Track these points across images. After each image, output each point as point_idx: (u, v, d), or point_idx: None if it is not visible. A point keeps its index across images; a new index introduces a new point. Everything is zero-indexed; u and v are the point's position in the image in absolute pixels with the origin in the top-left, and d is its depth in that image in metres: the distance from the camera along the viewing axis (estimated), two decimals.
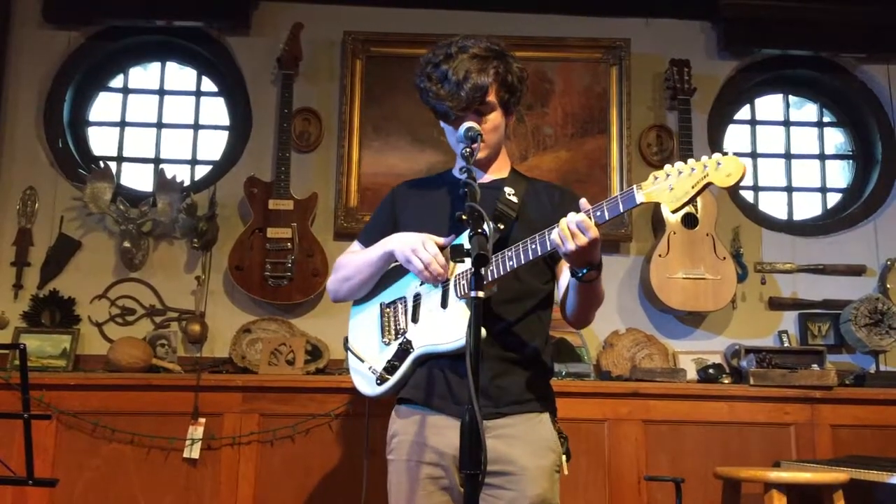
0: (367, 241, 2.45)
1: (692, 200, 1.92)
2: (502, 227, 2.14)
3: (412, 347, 2.24)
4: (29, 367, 2.85)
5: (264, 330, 4.01)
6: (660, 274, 4.02)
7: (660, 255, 4.05)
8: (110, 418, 3.55)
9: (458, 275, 2.18)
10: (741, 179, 1.88)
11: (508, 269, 2.11)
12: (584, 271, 2.04)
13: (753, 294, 4.23)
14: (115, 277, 4.13)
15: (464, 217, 1.88)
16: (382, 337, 2.35)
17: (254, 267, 4.01)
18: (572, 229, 1.94)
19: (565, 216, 1.99)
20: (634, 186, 1.96)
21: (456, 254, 1.85)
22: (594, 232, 1.94)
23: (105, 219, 4.14)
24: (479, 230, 1.81)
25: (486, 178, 2.39)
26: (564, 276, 2.30)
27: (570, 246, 1.95)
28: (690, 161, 1.93)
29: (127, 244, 4.06)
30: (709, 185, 1.89)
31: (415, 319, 2.28)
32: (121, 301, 4.11)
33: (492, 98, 2.26)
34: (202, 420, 3.58)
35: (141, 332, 4.03)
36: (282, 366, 3.81)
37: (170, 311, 4.11)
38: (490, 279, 2.07)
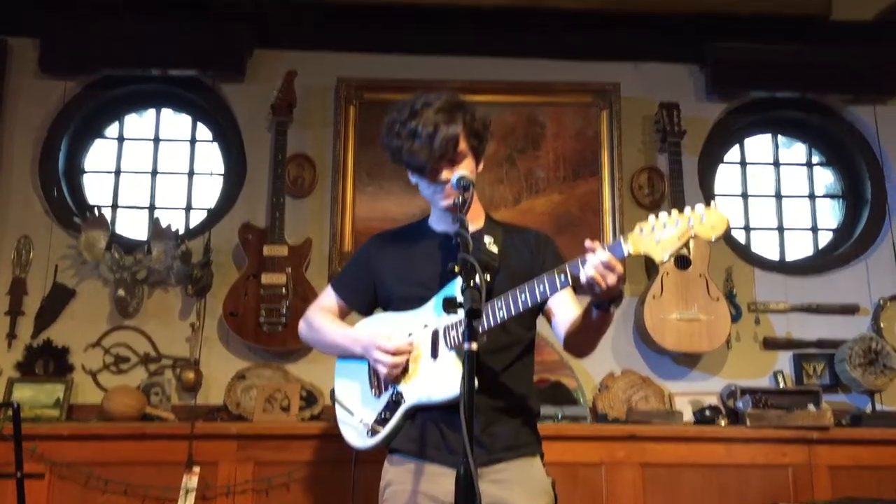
0: (343, 293, 2.56)
1: (678, 252, 1.95)
2: (488, 278, 2.10)
3: (403, 399, 2.26)
4: (22, 417, 2.85)
5: (259, 376, 3.99)
6: (654, 315, 4.03)
7: (653, 297, 4.07)
8: (104, 469, 3.50)
9: (447, 326, 2.20)
10: (726, 232, 1.90)
11: (499, 320, 2.13)
12: (610, 304, 2.09)
13: (748, 334, 4.24)
14: (109, 325, 4.13)
15: (456, 269, 1.89)
16: (371, 389, 2.38)
17: (248, 313, 4.01)
18: (601, 271, 1.97)
19: (544, 261, 2.16)
20: (621, 238, 2.00)
21: (448, 306, 1.86)
22: (620, 268, 1.98)
23: (100, 267, 4.14)
24: (472, 283, 1.82)
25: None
26: (563, 315, 2.36)
27: (604, 286, 1.98)
28: (675, 213, 1.95)
29: (121, 292, 4.06)
30: (693, 237, 1.92)
31: (404, 371, 2.29)
32: (115, 349, 4.10)
33: (463, 147, 2.28)
34: (197, 469, 3.54)
35: (135, 381, 4.01)
36: (277, 413, 3.79)
37: (164, 359, 4.10)
38: (480, 331, 2.02)
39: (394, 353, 2.25)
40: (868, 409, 4.04)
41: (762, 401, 3.81)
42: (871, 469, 3.66)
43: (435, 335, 2.23)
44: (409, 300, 2.35)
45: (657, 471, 3.65)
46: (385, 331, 2.33)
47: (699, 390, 4.10)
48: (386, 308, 2.49)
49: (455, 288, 2.06)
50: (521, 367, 2.35)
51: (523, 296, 2.09)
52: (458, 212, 2.14)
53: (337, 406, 2.47)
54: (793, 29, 4.49)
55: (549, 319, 2.43)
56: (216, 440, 3.60)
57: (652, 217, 1.97)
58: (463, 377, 1.74)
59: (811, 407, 3.77)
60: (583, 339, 2.29)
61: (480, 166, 2.40)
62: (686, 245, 1.94)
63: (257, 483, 3.55)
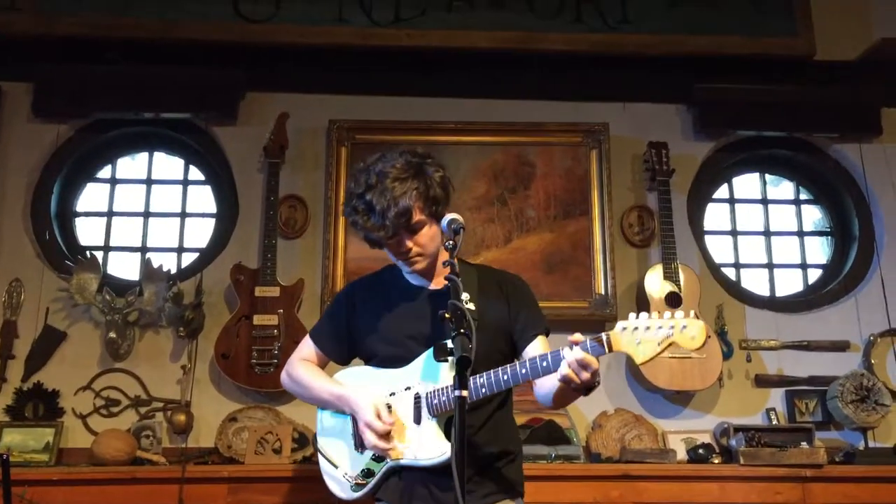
0: (321, 345, 2.59)
1: (655, 357, 2.05)
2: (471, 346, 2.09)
3: (388, 458, 2.31)
4: (11, 462, 2.82)
5: (250, 418, 3.97)
6: None
7: None
8: None
9: (430, 392, 2.27)
10: (705, 343, 2.01)
11: (482, 395, 2.21)
12: (587, 391, 2.16)
13: (739, 372, 4.24)
14: (100, 368, 4.11)
15: (447, 316, 1.91)
16: (355, 444, 2.42)
17: (240, 355, 4.00)
18: (575, 368, 2.05)
19: (518, 313, 2.36)
20: (604, 335, 2.08)
21: (440, 353, 1.87)
22: (595, 365, 2.06)
23: (91, 309, 4.14)
24: (462, 330, 1.84)
25: (434, 285, 2.47)
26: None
27: (578, 381, 2.06)
28: (657, 318, 2.05)
29: (112, 334, 4.04)
30: (673, 344, 2.02)
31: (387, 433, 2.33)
32: (105, 392, 4.08)
33: (418, 217, 2.33)
34: None
35: (126, 424, 3.98)
36: (268, 455, 3.77)
37: (155, 402, 4.07)
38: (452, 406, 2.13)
39: (382, 435, 2.28)
40: (861, 445, 4.04)
41: (755, 438, 3.80)
42: None
43: (417, 399, 2.29)
44: (390, 359, 2.41)
45: None
46: (370, 393, 2.36)
47: (692, 428, 4.09)
48: (366, 360, 2.54)
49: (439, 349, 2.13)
50: (502, 415, 2.43)
51: (506, 376, 2.18)
52: (449, 256, 2.16)
53: (320, 456, 2.51)
54: (778, 69, 4.57)
55: None
56: (207, 483, 3.57)
57: (634, 317, 2.07)
58: (454, 424, 1.75)
59: (804, 444, 3.77)
60: (558, 403, 2.36)
61: (447, 218, 2.35)
62: (664, 350, 2.05)
63: None
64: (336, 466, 2.44)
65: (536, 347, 2.42)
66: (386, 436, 2.27)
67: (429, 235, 2.36)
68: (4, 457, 2.37)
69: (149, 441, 3.92)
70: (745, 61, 4.52)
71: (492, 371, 2.20)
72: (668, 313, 2.04)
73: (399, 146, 2.52)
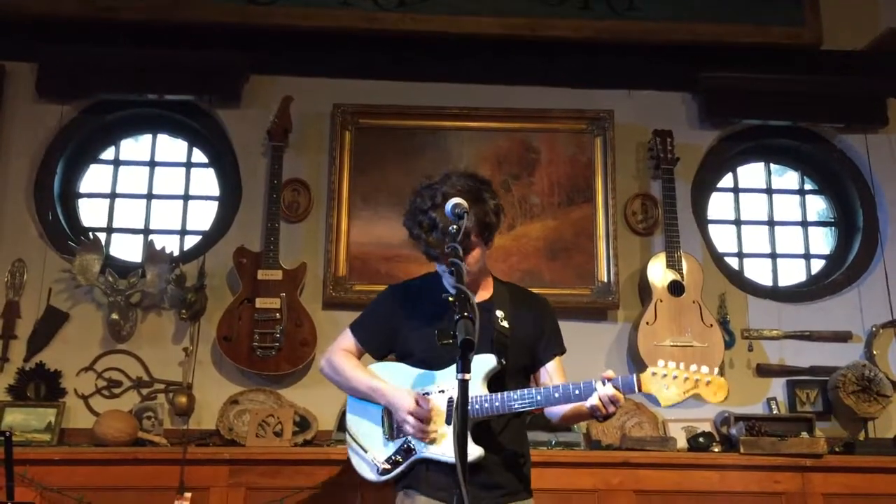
0: (365, 339, 2.74)
1: (678, 402, 2.38)
2: (504, 361, 2.43)
3: (416, 451, 2.50)
4: (14, 442, 2.84)
5: (252, 401, 3.98)
6: (647, 341, 4.04)
7: (647, 323, 4.08)
8: (95, 494, 3.49)
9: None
10: (725, 399, 2.36)
11: (514, 410, 2.43)
12: (605, 419, 2.41)
13: (741, 361, 4.25)
14: (102, 349, 4.11)
15: (451, 299, 1.92)
16: (384, 432, 2.60)
17: (242, 337, 4.00)
18: (605, 402, 2.33)
19: (543, 331, 2.61)
20: (634, 377, 2.38)
21: (443, 336, 1.89)
22: (623, 401, 2.35)
23: (93, 290, 4.14)
24: (466, 313, 1.85)
25: (476, 298, 2.58)
26: (543, 378, 2.69)
27: (604, 413, 2.34)
28: (685, 370, 2.36)
29: (115, 316, 4.05)
30: (696, 396, 2.34)
31: None
32: (107, 373, 4.09)
33: (474, 240, 2.53)
34: (188, 494, 3.52)
35: (127, 405, 3.99)
36: (269, 437, 3.78)
37: (157, 383, 4.08)
38: (485, 414, 2.43)
39: (424, 422, 2.47)
40: (861, 436, 4.04)
41: (756, 427, 3.81)
42: (864, 497, 3.67)
43: (451, 402, 2.47)
44: (427, 361, 2.58)
45: (651, 497, 3.64)
46: (406, 388, 2.56)
47: (693, 417, 4.09)
48: (401, 358, 2.70)
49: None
50: (518, 423, 2.61)
51: (539, 397, 2.42)
52: (453, 240, 2.16)
53: (349, 438, 2.69)
54: (785, 58, 4.55)
55: (535, 382, 2.72)
56: (208, 465, 3.59)
57: (663, 364, 2.38)
58: (456, 406, 1.76)
59: (805, 434, 3.78)
60: (566, 421, 2.66)
61: (491, 245, 2.64)
62: (687, 398, 2.38)
63: None
64: (365, 450, 2.61)
65: (554, 365, 2.69)
66: (426, 422, 2.46)
67: (476, 256, 2.56)
68: (7, 434, 2.37)
69: (150, 422, 3.93)
70: (751, 50, 4.50)
71: (525, 390, 2.44)
72: (694, 366, 2.35)
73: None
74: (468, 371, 1.78)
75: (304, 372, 4.10)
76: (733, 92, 4.50)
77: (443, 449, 2.46)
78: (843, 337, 4.31)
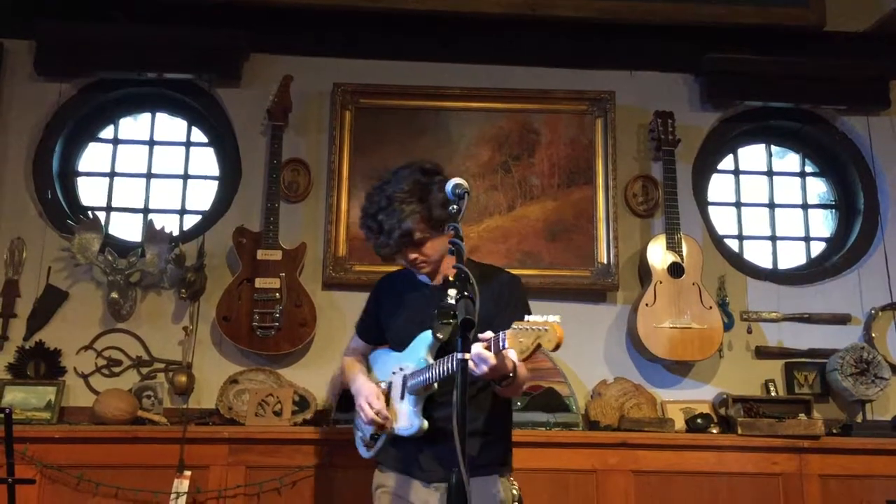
0: (363, 334, 3.04)
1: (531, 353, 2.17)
2: (440, 336, 2.28)
3: (381, 430, 2.74)
4: (13, 420, 2.84)
5: (251, 380, 3.99)
6: (647, 323, 4.05)
7: (646, 305, 4.08)
8: (95, 472, 3.51)
9: (408, 374, 2.64)
10: (557, 345, 2.10)
11: (428, 382, 2.53)
12: (499, 384, 2.40)
13: (740, 343, 4.26)
14: (101, 328, 4.12)
15: (451, 278, 1.92)
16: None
17: (241, 317, 4.00)
18: (476, 363, 2.24)
19: (503, 311, 2.53)
20: (502, 335, 2.19)
21: (443, 315, 1.89)
22: (492, 360, 2.23)
23: (93, 269, 4.14)
24: (466, 293, 1.85)
25: (436, 282, 2.78)
26: None
27: (478, 372, 2.26)
28: (534, 320, 2.14)
29: (114, 295, 4.05)
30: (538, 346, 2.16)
31: (387, 404, 2.74)
32: (107, 352, 4.09)
33: (420, 235, 2.60)
34: (188, 473, 3.54)
35: (127, 384, 4.00)
36: (269, 417, 3.79)
37: (156, 362, 4.09)
38: (425, 385, 2.55)
39: (370, 422, 2.71)
40: (859, 418, 4.06)
41: (754, 409, 3.83)
42: (861, 478, 3.69)
43: (405, 379, 2.66)
44: (398, 343, 2.78)
45: (648, 478, 3.67)
46: (370, 384, 2.82)
47: (691, 398, 4.11)
48: (390, 343, 2.90)
49: (420, 337, 2.64)
50: (485, 396, 2.62)
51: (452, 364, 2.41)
52: (454, 220, 2.17)
53: (355, 420, 2.94)
54: (787, 40, 4.52)
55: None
56: (208, 444, 3.61)
57: (527, 319, 2.15)
58: (456, 386, 1.77)
59: (802, 416, 3.80)
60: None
61: (452, 228, 2.37)
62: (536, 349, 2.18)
63: (249, 487, 3.56)
64: (357, 430, 2.90)
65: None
66: (377, 415, 2.66)
67: (433, 247, 2.65)
68: (7, 411, 2.38)
69: (150, 401, 3.95)
70: (754, 31, 4.47)
71: (440, 360, 2.49)
72: (538, 317, 2.15)
73: (413, 161, 2.76)
74: (468, 350, 1.79)
75: (304, 352, 4.11)
76: (736, 73, 4.47)
77: (397, 425, 2.65)
78: (842, 319, 4.31)
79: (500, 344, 2.20)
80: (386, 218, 2.58)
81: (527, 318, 2.14)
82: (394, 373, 2.74)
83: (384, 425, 2.67)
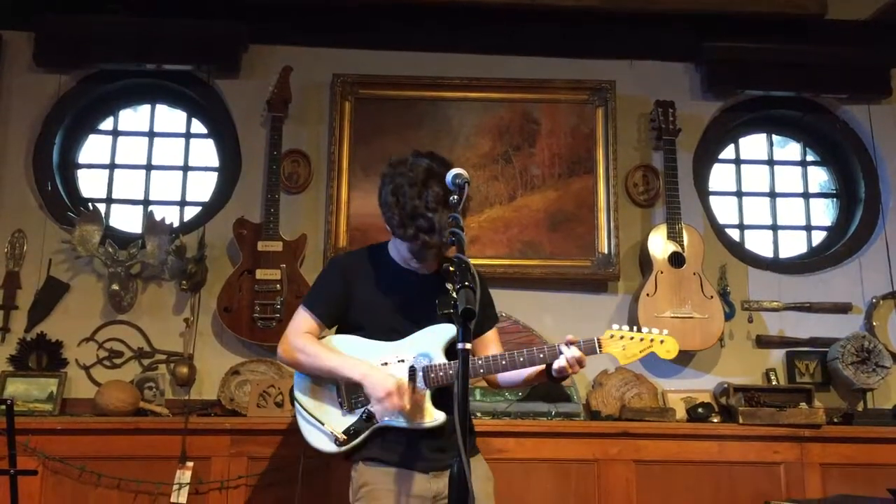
0: (321, 313, 2.69)
1: (634, 360, 2.62)
2: (475, 298, 2.40)
3: (375, 419, 2.54)
4: (15, 411, 2.85)
5: (253, 372, 3.99)
6: (648, 313, 4.04)
7: (647, 294, 4.08)
8: (97, 463, 3.52)
9: (427, 367, 2.55)
10: (676, 356, 2.66)
11: (480, 374, 2.61)
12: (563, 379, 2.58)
13: (741, 332, 4.25)
14: (102, 320, 4.12)
15: (451, 269, 1.92)
16: (341, 405, 2.63)
17: (243, 308, 4.01)
18: (572, 363, 2.49)
19: (483, 303, 2.42)
20: (596, 339, 2.56)
21: (443, 305, 1.88)
22: (586, 362, 2.53)
23: (93, 261, 4.14)
24: (466, 283, 1.85)
25: (425, 270, 2.70)
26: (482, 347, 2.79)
27: (569, 373, 2.51)
28: (636, 331, 2.61)
29: (115, 286, 4.05)
30: (652, 352, 2.60)
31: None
32: (108, 344, 4.10)
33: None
34: (190, 464, 3.55)
35: (129, 375, 4.01)
36: (270, 408, 3.79)
37: (158, 354, 4.09)
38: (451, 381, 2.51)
39: (399, 404, 2.48)
40: (860, 407, 4.06)
41: (755, 398, 3.83)
42: (862, 467, 3.69)
43: (413, 371, 2.54)
44: (382, 332, 2.62)
45: (650, 468, 3.67)
46: (380, 369, 2.57)
47: (692, 388, 4.12)
48: (349, 330, 2.70)
49: (430, 330, 2.57)
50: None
51: (504, 361, 2.55)
52: (454, 210, 2.17)
53: (300, 411, 2.67)
54: (789, 28, 4.50)
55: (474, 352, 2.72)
56: (210, 435, 3.61)
57: (618, 327, 2.60)
58: (457, 376, 1.77)
59: (803, 405, 3.80)
60: (520, 386, 3.00)
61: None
62: (642, 356, 2.63)
63: (250, 478, 3.56)
64: (322, 423, 2.61)
65: (492, 335, 2.82)
66: (400, 404, 2.49)
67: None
68: (9, 403, 2.38)
69: (152, 393, 3.95)
70: (755, 19, 4.46)
71: (491, 356, 2.58)
72: (645, 329, 2.62)
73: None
74: (469, 340, 1.79)
75: None
76: (736, 62, 4.46)
77: (404, 417, 2.53)
78: (843, 308, 4.31)
79: (593, 348, 2.49)
80: (438, 221, 2.43)
81: (621, 327, 2.52)
82: (385, 363, 2.59)
83: (413, 416, 2.54)
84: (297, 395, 2.71)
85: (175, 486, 3.50)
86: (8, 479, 2.77)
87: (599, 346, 2.53)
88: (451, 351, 2.53)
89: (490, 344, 2.78)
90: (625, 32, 4.54)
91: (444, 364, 2.52)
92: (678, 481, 3.66)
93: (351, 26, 4.47)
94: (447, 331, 2.55)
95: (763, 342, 4.25)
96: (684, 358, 4.18)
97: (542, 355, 2.52)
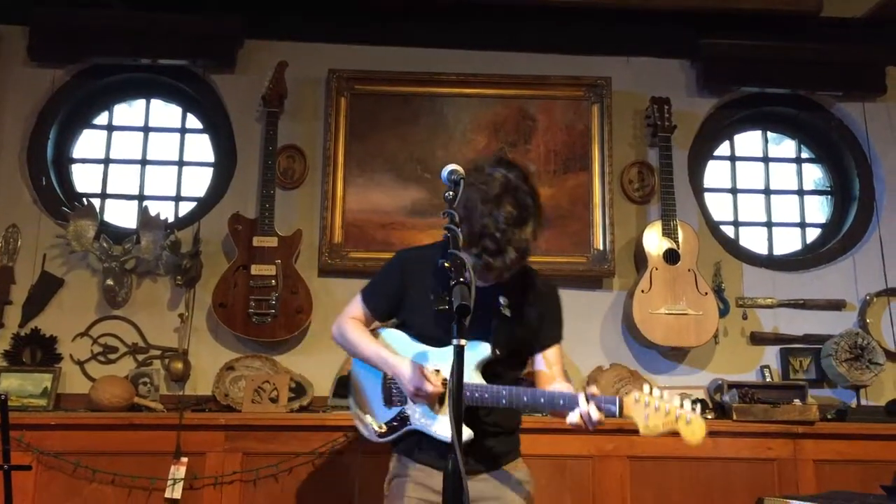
0: (374, 306, 2.68)
1: (656, 436, 2.28)
2: (498, 352, 2.40)
3: (409, 422, 2.54)
4: (9, 406, 2.84)
5: (248, 367, 3.99)
6: (643, 309, 4.05)
7: (642, 291, 4.08)
8: (91, 458, 3.52)
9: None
10: (702, 439, 2.23)
11: (502, 405, 2.42)
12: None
13: (735, 329, 4.26)
14: (97, 315, 4.12)
15: (447, 265, 1.91)
16: (384, 401, 2.63)
17: (237, 304, 4.00)
18: (586, 420, 2.27)
19: (541, 328, 2.53)
20: (618, 399, 2.29)
21: (439, 301, 1.88)
22: (603, 423, 2.28)
23: (88, 256, 4.13)
24: (462, 279, 1.85)
25: (482, 283, 2.47)
26: (539, 365, 2.64)
27: (583, 429, 2.30)
28: (669, 402, 2.25)
29: (110, 282, 4.04)
30: (675, 432, 2.24)
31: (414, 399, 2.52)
32: (103, 339, 4.09)
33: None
34: (184, 459, 3.55)
35: (123, 371, 4.00)
36: (265, 403, 3.79)
37: (153, 349, 4.09)
38: (474, 404, 2.42)
39: (428, 399, 2.46)
40: (853, 403, 4.07)
41: (749, 395, 3.84)
42: (855, 463, 3.70)
43: (445, 383, 2.45)
44: (427, 336, 2.56)
45: (644, 463, 3.68)
46: (413, 362, 2.49)
47: (687, 384, 4.12)
48: (399, 325, 2.69)
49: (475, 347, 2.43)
50: (520, 366, 2.62)
51: (525, 398, 2.40)
52: (448, 206, 2.15)
53: (351, 399, 2.76)
54: (784, 25, 4.51)
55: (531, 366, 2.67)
56: (204, 431, 3.61)
57: (648, 391, 2.28)
58: (452, 370, 1.76)
59: (797, 401, 3.81)
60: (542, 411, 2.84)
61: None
62: (665, 434, 2.28)
63: (245, 474, 3.56)
64: (364, 413, 2.67)
65: (552, 353, 2.64)
66: (430, 399, 2.46)
67: None
68: (3, 397, 2.38)
69: (146, 388, 3.95)
70: (751, 16, 4.45)
71: (515, 389, 2.41)
72: (677, 399, 2.25)
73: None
74: (464, 336, 1.78)
75: (300, 339, 4.11)
76: (732, 59, 4.47)
77: (436, 427, 2.49)
78: (837, 305, 4.33)
79: (612, 411, 2.26)
80: (513, 244, 2.30)
81: (651, 391, 2.22)
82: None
83: (441, 428, 2.49)
84: (351, 380, 2.77)
85: (169, 482, 3.51)
86: (2, 475, 2.76)
87: (620, 409, 2.29)
88: (486, 367, 2.47)
89: (551, 363, 2.62)
90: (621, 29, 4.54)
91: (472, 385, 2.42)
92: (672, 477, 3.67)
93: (346, 22, 4.46)
94: (482, 350, 2.45)
95: (757, 339, 4.26)
96: (679, 355, 4.19)
97: (561, 402, 2.36)
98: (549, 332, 2.64)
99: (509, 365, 2.55)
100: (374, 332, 2.72)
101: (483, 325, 2.27)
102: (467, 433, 2.39)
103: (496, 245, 2.27)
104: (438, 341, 2.51)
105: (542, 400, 2.42)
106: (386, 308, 2.69)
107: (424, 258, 2.62)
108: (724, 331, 4.23)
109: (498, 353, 2.36)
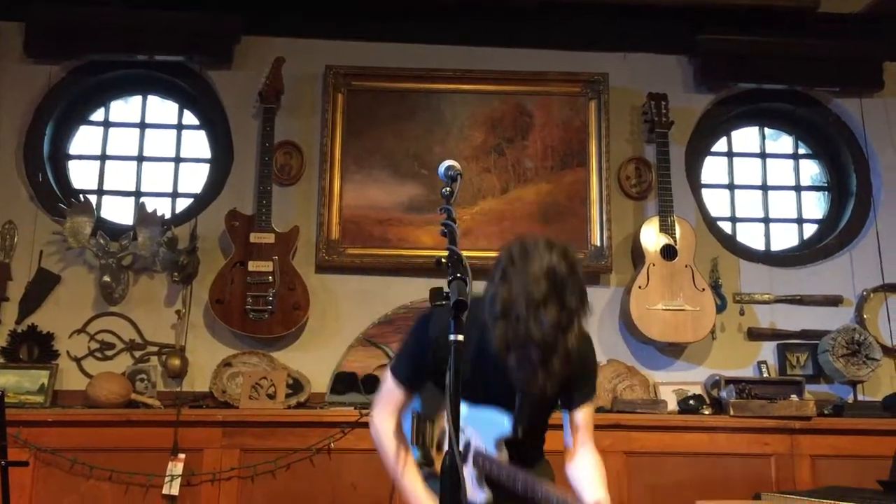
0: (406, 378, 2.38)
1: None
2: (520, 433, 2.24)
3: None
4: (6, 403, 2.85)
5: (245, 364, 3.99)
6: (640, 305, 4.05)
7: (640, 287, 4.08)
8: (89, 455, 3.52)
9: (479, 449, 2.28)
10: None
11: (517, 489, 2.17)
12: None
13: (732, 325, 4.27)
14: (94, 312, 4.11)
15: (444, 261, 1.90)
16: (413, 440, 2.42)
17: (235, 300, 4.00)
18: None
19: (578, 378, 2.23)
20: None
21: (435, 297, 1.87)
22: None
23: (85, 253, 4.13)
24: (459, 275, 1.84)
25: None
26: (565, 427, 2.39)
27: None
28: None
29: (107, 278, 4.04)
30: None
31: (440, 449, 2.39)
32: (100, 336, 4.09)
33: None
34: (182, 456, 3.55)
35: (120, 367, 4.00)
36: (263, 400, 3.79)
37: (150, 346, 4.08)
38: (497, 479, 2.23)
39: None
40: (850, 399, 4.08)
41: (746, 390, 3.85)
42: (852, 458, 3.71)
43: (467, 446, 2.30)
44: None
45: (641, 459, 3.69)
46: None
47: (684, 380, 4.13)
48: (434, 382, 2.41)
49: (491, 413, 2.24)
50: (542, 435, 2.47)
51: (539, 494, 2.13)
52: (447, 203, 2.14)
53: None
54: (782, 21, 4.50)
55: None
56: (202, 427, 3.61)
57: None
58: (449, 368, 1.75)
59: (794, 397, 3.82)
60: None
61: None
62: None
63: (242, 470, 3.56)
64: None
65: (580, 416, 2.36)
66: None
67: None
68: (0, 394, 2.37)
69: (143, 384, 3.95)
70: (748, 12, 4.45)
71: (530, 480, 2.17)
72: None
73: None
74: (461, 332, 1.77)
75: (297, 335, 4.11)
76: (729, 54, 4.47)
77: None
78: (834, 301, 4.33)
79: None
80: (551, 344, 2.03)
81: None
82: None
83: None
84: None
85: (167, 478, 3.51)
86: None
87: None
88: (508, 444, 2.27)
89: (577, 429, 2.34)
90: (618, 25, 4.53)
91: (496, 462, 2.23)
92: (669, 472, 3.68)
93: (343, 18, 4.45)
94: (503, 426, 2.23)
95: (754, 334, 4.27)
96: (676, 350, 4.20)
97: None
98: (580, 392, 2.35)
99: (532, 430, 2.32)
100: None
101: (507, 394, 2.14)
102: (486, 494, 2.24)
103: (541, 356, 2.02)
104: (467, 399, 2.12)
105: (540, 494, 2.13)
106: (420, 382, 2.39)
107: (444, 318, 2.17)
108: (721, 326, 4.24)
109: (520, 434, 2.17)
